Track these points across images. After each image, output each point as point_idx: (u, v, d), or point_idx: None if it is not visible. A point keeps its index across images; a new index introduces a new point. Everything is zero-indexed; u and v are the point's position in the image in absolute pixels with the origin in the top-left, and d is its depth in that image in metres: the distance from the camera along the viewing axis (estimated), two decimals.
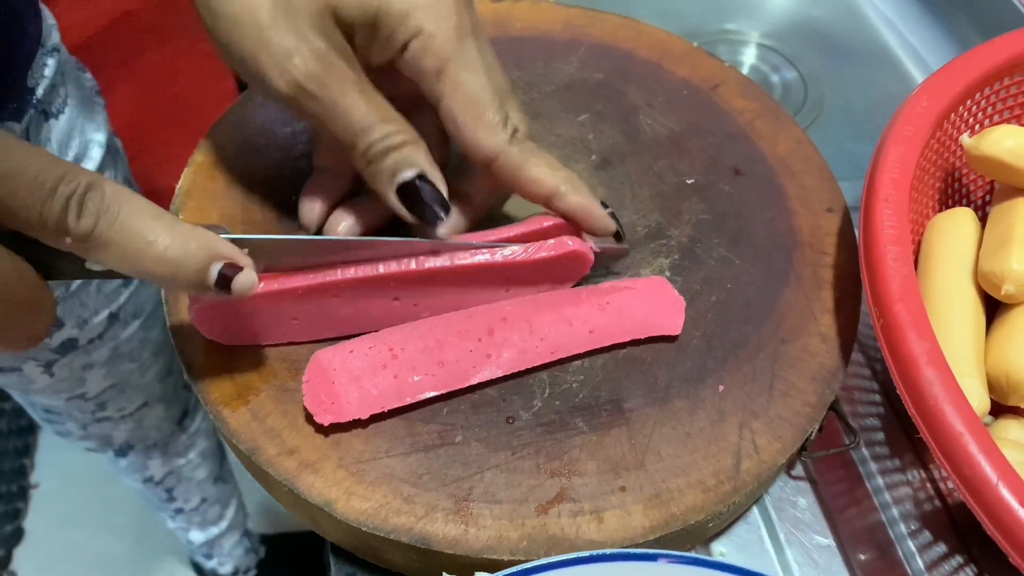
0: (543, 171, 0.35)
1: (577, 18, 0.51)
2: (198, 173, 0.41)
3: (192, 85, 1.05)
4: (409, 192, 0.34)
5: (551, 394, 0.36)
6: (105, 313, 0.63)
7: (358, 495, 0.32)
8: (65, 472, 1.36)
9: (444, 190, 0.35)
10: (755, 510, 0.39)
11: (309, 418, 0.34)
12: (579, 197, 0.36)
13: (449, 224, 0.35)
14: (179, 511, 1.01)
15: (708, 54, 0.49)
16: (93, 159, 0.55)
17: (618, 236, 0.38)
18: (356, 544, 0.34)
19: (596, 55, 0.49)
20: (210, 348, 0.35)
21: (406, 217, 0.35)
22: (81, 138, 0.54)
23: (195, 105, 1.05)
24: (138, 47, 0.98)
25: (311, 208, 0.38)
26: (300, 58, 0.32)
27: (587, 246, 0.37)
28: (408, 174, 0.34)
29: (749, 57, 0.73)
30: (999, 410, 0.39)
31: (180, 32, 1.01)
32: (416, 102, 0.36)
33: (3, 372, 0.63)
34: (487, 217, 0.39)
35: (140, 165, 0.70)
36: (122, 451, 0.86)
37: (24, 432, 1.40)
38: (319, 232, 0.38)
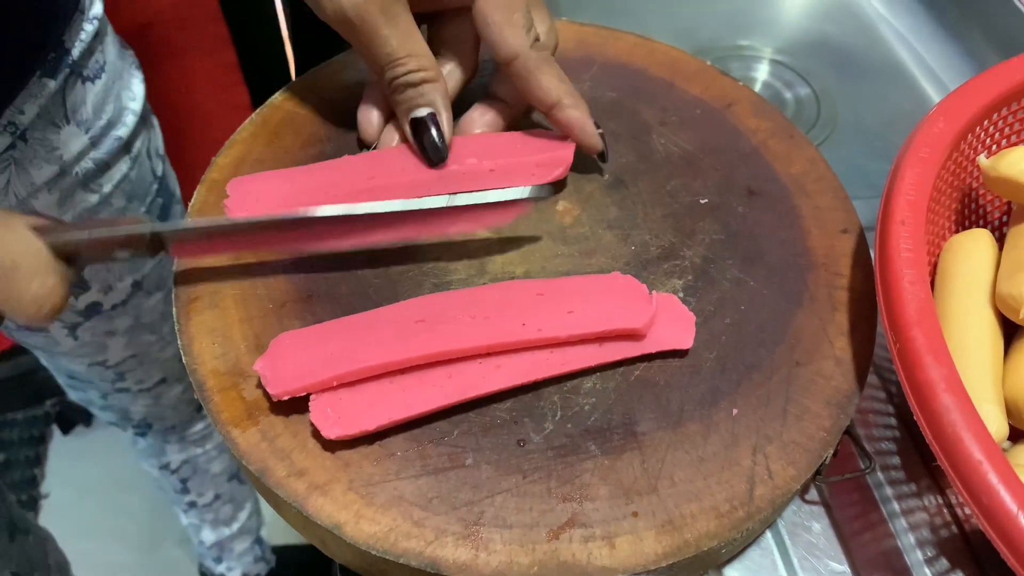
0: (552, 81, 0.40)
1: (590, 36, 0.51)
2: (211, 191, 0.41)
3: (206, 99, 1.05)
4: (419, 128, 0.39)
5: (563, 417, 0.35)
6: (130, 280, 0.66)
7: (367, 518, 0.32)
8: (75, 482, 1.36)
9: (449, 133, 0.40)
10: (768, 535, 0.38)
11: (319, 439, 0.34)
12: (578, 112, 0.41)
13: (485, 125, 0.42)
14: (192, 504, 1.02)
15: (721, 72, 0.49)
16: (127, 125, 0.58)
17: (602, 156, 0.43)
18: (365, 567, 0.33)
19: (609, 74, 0.49)
20: (220, 369, 0.35)
21: (416, 146, 0.40)
22: (116, 104, 0.57)
23: (209, 119, 1.05)
24: (152, 61, 0.98)
25: (368, 118, 0.42)
26: None
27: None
28: (421, 112, 0.39)
29: (762, 73, 0.72)
30: (1017, 436, 0.38)
31: (194, 47, 1.01)
32: (451, 15, 0.41)
33: (31, 331, 0.65)
34: None
35: None
36: (141, 430, 0.87)
37: (35, 442, 1.40)
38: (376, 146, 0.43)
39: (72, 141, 0.53)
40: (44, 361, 0.75)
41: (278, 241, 0.38)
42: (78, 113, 0.53)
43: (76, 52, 0.52)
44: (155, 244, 0.35)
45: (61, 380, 0.79)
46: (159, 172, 0.65)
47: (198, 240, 0.37)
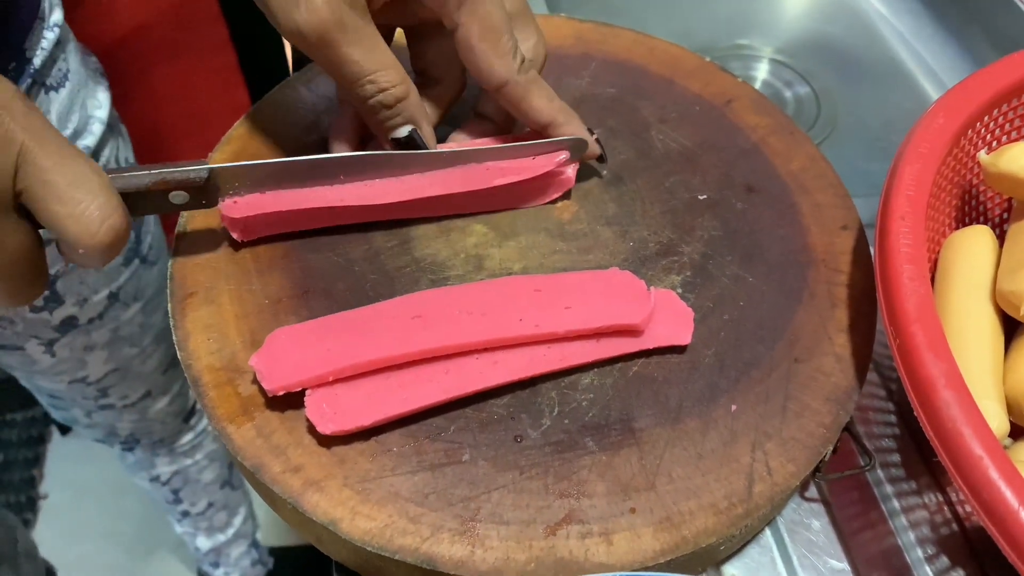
0: (543, 102, 0.39)
1: (589, 33, 0.51)
2: None
3: (204, 100, 1.05)
4: (402, 144, 0.39)
5: (560, 412, 0.35)
6: (105, 292, 0.64)
7: (363, 514, 0.32)
8: (74, 483, 1.36)
9: (432, 142, 0.39)
10: (767, 532, 0.38)
11: (315, 435, 0.33)
12: (572, 127, 0.40)
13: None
14: (186, 514, 1.01)
15: (721, 69, 0.49)
16: (93, 133, 0.57)
17: (602, 158, 0.43)
18: (361, 564, 0.33)
19: (608, 70, 0.49)
20: (216, 364, 0.35)
21: None
22: (81, 113, 0.56)
23: (207, 119, 1.05)
24: (151, 62, 0.98)
25: (341, 150, 0.40)
26: (306, 5, 0.33)
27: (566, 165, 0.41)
28: (402, 132, 0.38)
29: (762, 72, 0.72)
30: (1018, 432, 0.38)
31: (192, 48, 1.01)
32: (434, 29, 0.39)
33: (6, 351, 0.64)
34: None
35: None
36: (128, 445, 0.86)
37: (34, 443, 1.40)
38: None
39: None
40: (24, 383, 0.73)
41: (328, 182, 0.38)
42: None
43: (38, 61, 0.50)
44: (210, 186, 0.36)
45: (43, 400, 0.77)
46: None
47: (251, 182, 0.37)
